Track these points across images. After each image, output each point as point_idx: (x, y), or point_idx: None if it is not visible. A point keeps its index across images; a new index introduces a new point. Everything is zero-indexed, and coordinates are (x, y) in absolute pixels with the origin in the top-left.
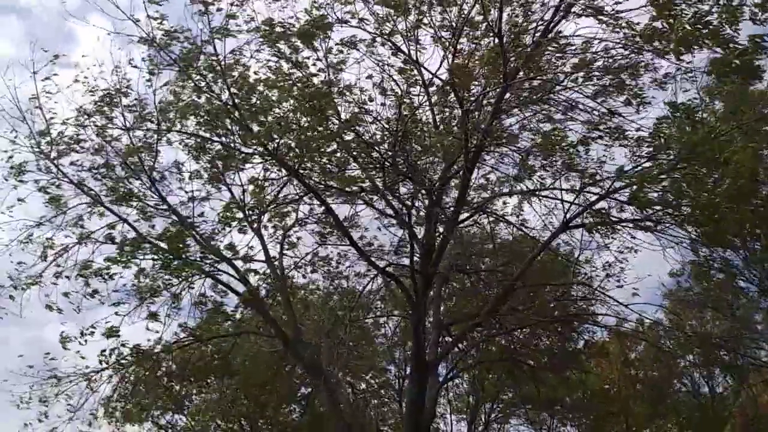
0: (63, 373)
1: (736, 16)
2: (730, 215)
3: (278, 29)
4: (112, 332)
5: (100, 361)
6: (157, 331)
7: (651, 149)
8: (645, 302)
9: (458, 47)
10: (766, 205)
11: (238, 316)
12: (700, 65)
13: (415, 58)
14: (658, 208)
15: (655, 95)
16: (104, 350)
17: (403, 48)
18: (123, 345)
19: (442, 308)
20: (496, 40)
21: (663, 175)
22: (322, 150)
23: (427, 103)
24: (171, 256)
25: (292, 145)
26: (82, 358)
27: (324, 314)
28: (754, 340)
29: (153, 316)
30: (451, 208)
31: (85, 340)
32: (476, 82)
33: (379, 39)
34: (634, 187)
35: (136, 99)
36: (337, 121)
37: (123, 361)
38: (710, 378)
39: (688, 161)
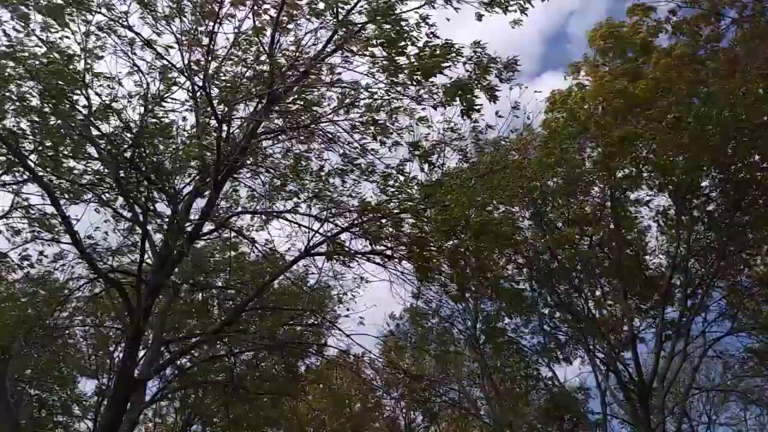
0: None
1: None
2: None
3: None
4: None
5: None
6: None
7: (394, 188)
8: (366, 333)
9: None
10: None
11: None
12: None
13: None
14: (388, 244)
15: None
16: None
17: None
18: None
19: (167, 323)
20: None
21: (403, 213)
22: (58, 138)
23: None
24: None
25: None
26: None
27: (19, 312)
28: (451, 381)
29: None
30: (194, 220)
31: None
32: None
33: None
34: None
35: None
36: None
37: None
38: (408, 412)
39: (422, 203)
